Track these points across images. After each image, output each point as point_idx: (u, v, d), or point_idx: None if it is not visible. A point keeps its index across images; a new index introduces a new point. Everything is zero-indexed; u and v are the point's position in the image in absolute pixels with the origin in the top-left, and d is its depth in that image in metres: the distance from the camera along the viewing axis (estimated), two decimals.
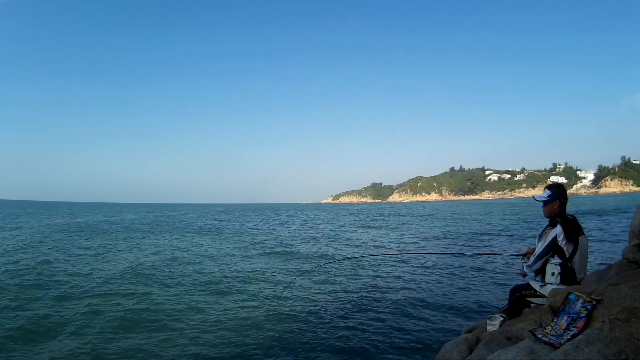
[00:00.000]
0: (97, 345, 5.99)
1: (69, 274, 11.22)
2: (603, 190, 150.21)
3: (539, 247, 3.39)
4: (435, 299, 8.21)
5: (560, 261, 3.29)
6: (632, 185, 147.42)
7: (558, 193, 3.46)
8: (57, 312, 7.64)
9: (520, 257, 3.85)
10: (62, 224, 34.05)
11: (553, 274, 3.33)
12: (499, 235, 20.49)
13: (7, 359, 5.68)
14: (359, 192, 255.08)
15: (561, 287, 3.22)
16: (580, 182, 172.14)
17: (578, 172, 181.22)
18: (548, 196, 3.47)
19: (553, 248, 3.30)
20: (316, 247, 17.72)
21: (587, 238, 3.49)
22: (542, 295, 3.36)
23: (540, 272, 3.48)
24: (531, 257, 3.46)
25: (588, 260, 3.49)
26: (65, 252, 16.09)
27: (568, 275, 3.27)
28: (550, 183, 3.77)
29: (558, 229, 3.29)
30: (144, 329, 6.71)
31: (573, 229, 3.30)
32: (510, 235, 20.03)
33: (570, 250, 3.26)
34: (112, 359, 5.60)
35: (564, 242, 3.26)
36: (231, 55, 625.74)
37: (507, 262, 11.84)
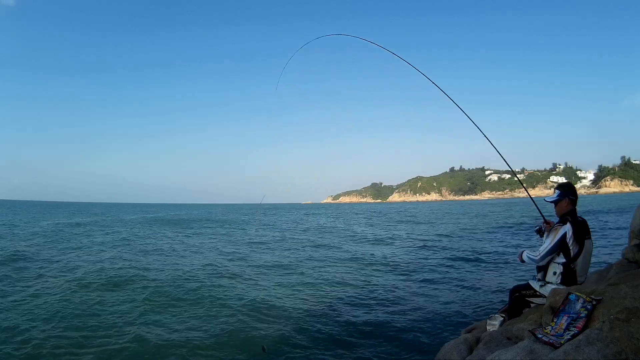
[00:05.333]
0: None
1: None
2: (603, 190, 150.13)
3: (548, 244, 3.37)
4: (435, 298, 8.21)
5: (564, 261, 3.30)
6: (632, 185, 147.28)
7: (566, 191, 3.52)
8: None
9: (535, 230, 3.84)
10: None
11: (555, 273, 3.34)
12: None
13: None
14: (359, 192, 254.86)
15: (561, 287, 3.23)
16: (580, 182, 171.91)
17: (578, 172, 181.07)
18: (557, 196, 3.52)
19: (562, 245, 3.30)
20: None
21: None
22: (542, 295, 3.36)
23: (542, 270, 3.49)
24: (539, 252, 3.44)
25: (590, 263, 3.49)
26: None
27: (569, 276, 3.28)
28: (560, 183, 3.80)
29: (568, 227, 3.30)
30: None
31: (582, 231, 3.32)
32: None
33: (575, 252, 3.27)
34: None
35: (571, 242, 3.27)
36: (231, 55, 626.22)
37: (509, 260, 11.85)
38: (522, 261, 3.61)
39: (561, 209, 3.49)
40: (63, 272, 11.19)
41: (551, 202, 3.56)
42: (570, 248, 3.27)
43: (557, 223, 3.46)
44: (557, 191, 3.57)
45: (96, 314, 7.33)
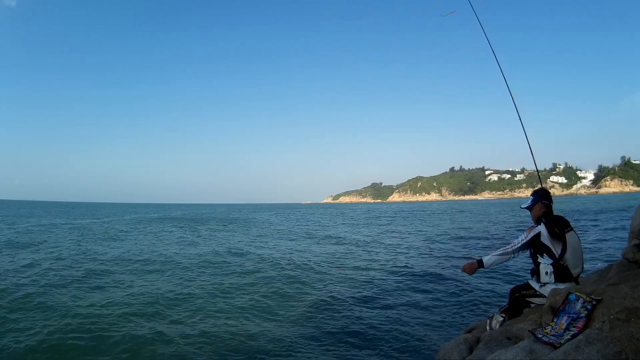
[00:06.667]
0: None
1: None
2: (603, 190, 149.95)
3: (522, 238, 3.45)
4: (435, 299, 8.21)
5: (552, 261, 3.32)
6: (632, 185, 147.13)
7: (539, 196, 3.60)
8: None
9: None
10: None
11: (547, 273, 3.36)
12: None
13: None
14: (359, 192, 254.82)
15: (559, 285, 3.23)
16: (580, 182, 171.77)
17: (578, 172, 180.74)
18: (531, 201, 3.62)
19: (535, 244, 3.36)
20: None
21: (587, 239, 3.51)
22: (542, 295, 3.36)
23: (535, 273, 3.50)
24: (510, 245, 3.49)
25: (587, 258, 3.50)
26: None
27: (562, 273, 3.30)
28: (534, 189, 3.85)
29: (541, 227, 3.36)
30: None
31: (558, 227, 3.33)
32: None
33: (559, 250, 3.28)
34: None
35: (548, 241, 3.30)
36: (231, 55, 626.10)
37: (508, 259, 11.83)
38: (480, 267, 3.50)
39: (536, 213, 3.57)
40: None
41: (525, 207, 3.66)
42: (552, 247, 3.29)
43: (534, 224, 3.54)
44: (531, 197, 3.66)
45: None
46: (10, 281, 9.82)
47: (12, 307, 7.70)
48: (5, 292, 8.76)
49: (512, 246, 3.48)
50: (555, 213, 3.61)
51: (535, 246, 3.38)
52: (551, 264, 3.31)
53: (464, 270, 3.64)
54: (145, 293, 8.99)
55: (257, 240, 21.12)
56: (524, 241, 3.41)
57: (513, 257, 3.48)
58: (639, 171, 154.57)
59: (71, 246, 17.33)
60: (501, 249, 3.53)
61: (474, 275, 3.82)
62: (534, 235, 3.35)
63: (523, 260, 11.56)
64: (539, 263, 3.41)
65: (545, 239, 3.31)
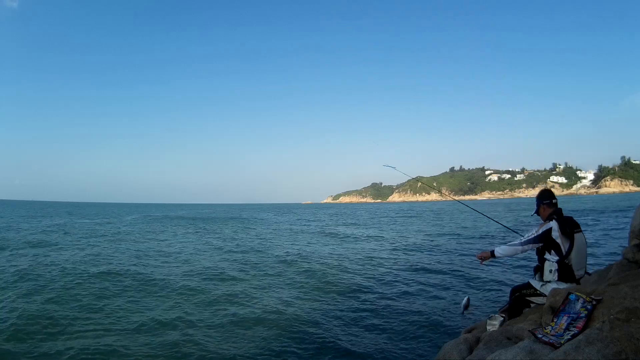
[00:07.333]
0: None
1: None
2: (603, 190, 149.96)
3: (533, 232, 3.49)
4: (434, 299, 8.21)
5: (557, 258, 3.34)
6: (632, 185, 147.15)
7: (539, 198, 3.68)
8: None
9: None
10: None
11: (551, 271, 3.39)
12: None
13: None
14: (359, 192, 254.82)
15: (561, 284, 3.24)
16: (580, 182, 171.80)
17: (578, 172, 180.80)
18: (535, 206, 3.73)
19: (546, 239, 3.38)
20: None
21: (587, 238, 3.53)
22: (542, 295, 3.37)
23: (539, 271, 3.51)
24: (520, 240, 3.53)
25: (587, 258, 3.52)
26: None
27: (565, 272, 3.31)
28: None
29: (552, 223, 3.40)
30: None
31: (568, 226, 3.37)
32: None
33: (566, 247, 3.32)
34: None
35: (559, 237, 3.33)
36: (231, 55, 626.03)
37: (508, 259, 11.85)
38: (493, 257, 3.59)
39: (544, 215, 3.62)
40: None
41: (533, 215, 3.76)
42: (560, 244, 3.32)
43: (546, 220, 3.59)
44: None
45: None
46: (25, 284, 9.73)
47: (38, 309, 7.71)
48: (26, 295, 8.73)
49: (522, 239, 3.51)
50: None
51: (545, 241, 3.40)
52: (556, 262, 3.33)
53: (479, 258, 3.73)
54: (158, 291, 9.10)
55: (260, 239, 21.15)
56: (535, 235, 3.43)
57: (524, 251, 3.50)
58: (639, 171, 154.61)
59: (78, 246, 17.32)
60: (512, 242, 3.57)
61: (473, 274, 3.84)
62: (545, 230, 3.39)
63: (523, 260, 11.60)
64: (545, 260, 3.43)
65: (556, 234, 3.34)
